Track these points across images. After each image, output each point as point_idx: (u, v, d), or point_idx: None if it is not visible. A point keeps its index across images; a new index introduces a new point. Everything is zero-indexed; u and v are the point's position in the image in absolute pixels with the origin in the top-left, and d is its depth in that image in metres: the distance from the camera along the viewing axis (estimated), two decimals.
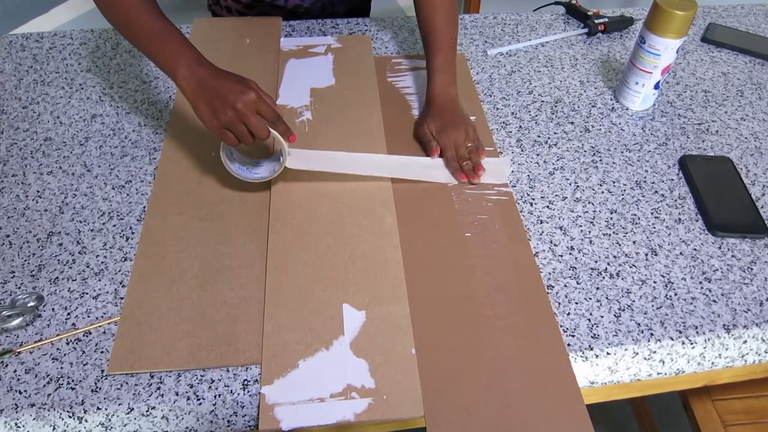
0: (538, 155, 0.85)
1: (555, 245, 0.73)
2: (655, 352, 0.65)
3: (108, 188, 0.78)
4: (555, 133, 0.88)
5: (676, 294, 0.69)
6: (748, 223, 0.76)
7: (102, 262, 0.70)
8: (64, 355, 0.62)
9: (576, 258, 0.72)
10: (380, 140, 0.85)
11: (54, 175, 0.80)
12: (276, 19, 1.06)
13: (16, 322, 0.63)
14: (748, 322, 0.66)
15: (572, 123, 0.90)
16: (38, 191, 0.78)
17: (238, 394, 0.59)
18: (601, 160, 0.84)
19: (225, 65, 0.96)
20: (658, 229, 0.75)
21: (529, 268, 0.70)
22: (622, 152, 0.86)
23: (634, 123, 0.91)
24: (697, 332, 0.65)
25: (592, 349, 0.64)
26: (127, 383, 0.60)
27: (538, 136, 0.88)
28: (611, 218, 0.76)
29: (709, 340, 0.65)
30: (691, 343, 0.65)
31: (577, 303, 0.68)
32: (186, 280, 0.68)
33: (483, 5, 2.21)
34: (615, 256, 0.72)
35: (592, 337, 0.65)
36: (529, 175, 0.82)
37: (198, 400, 0.59)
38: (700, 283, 0.70)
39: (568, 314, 0.67)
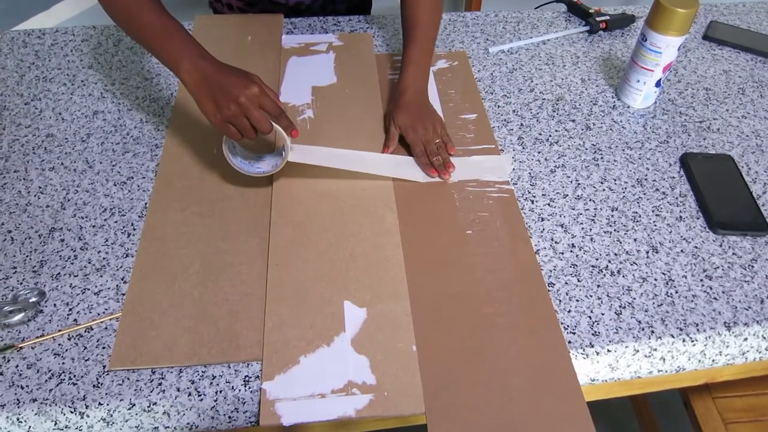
0: (539, 153, 0.85)
1: (556, 243, 0.73)
2: (655, 349, 0.65)
3: (110, 184, 0.79)
4: (556, 130, 0.88)
5: (677, 291, 0.69)
6: (749, 220, 0.76)
7: (104, 258, 0.70)
8: (66, 350, 0.62)
9: (577, 255, 0.72)
10: (381, 139, 0.85)
11: (56, 171, 0.80)
12: (278, 17, 1.06)
13: (18, 317, 0.63)
14: (748, 320, 0.66)
15: (573, 121, 0.90)
16: (40, 187, 0.78)
17: (240, 390, 0.60)
18: (602, 158, 0.84)
19: (226, 62, 0.97)
20: (659, 227, 0.75)
21: (530, 266, 0.70)
22: (624, 150, 0.86)
23: (635, 121, 0.91)
24: (698, 330, 0.66)
25: (592, 346, 0.64)
26: (128, 379, 0.60)
27: (540, 134, 0.88)
28: (612, 216, 0.76)
29: (709, 337, 0.66)
30: (692, 341, 0.65)
31: (578, 300, 0.68)
32: (187, 276, 0.68)
33: (484, 3, 2.21)
34: (616, 254, 0.72)
35: (592, 334, 0.65)
36: (530, 173, 0.82)
37: (199, 396, 0.59)
38: (701, 280, 0.70)
39: (569, 312, 0.67)
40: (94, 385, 0.59)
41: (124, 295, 0.67)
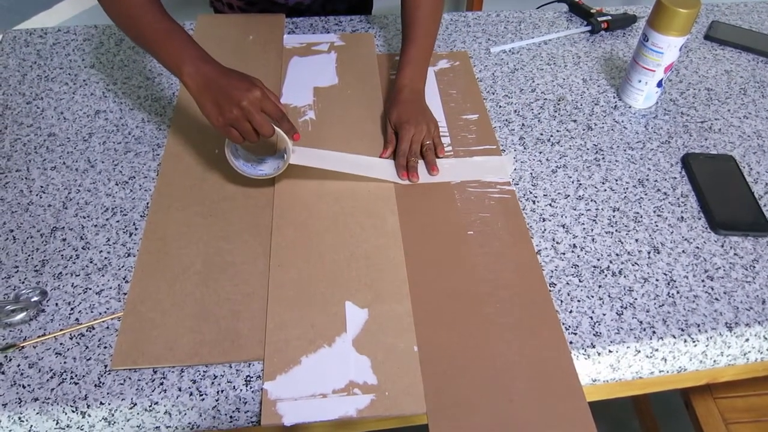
0: (540, 153, 0.85)
1: (557, 243, 0.73)
2: (657, 350, 0.65)
3: (111, 184, 0.79)
4: (558, 131, 0.88)
5: (678, 292, 0.69)
6: (751, 221, 0.76)
7: (105, 258, 0.70)
8: (68, 350, 0.62)
9: (578, 256, 0.72)
10: (383, 140, 0.85)
11: (58, 170, 0.80)
12: (279, 16, 1.06)
13: (19, 316, 0.63)
14: (750, 320, 0.66)
15: (575, 121, 0.90)
16: (42, 186, 0.78)
17: (241, 390, 0.60)
18: (603, 158, 0.84)
19: (228, 62, 0.97)
20: (661, 227, 0.75)
21: (531, 266, 0.70)
22: (625, 150, 0.86)
23: (636, 121, 0.91)
24: (700, 330, 0.65)
25: (594, 346, 0.64)
26: (130, 378, 0.60)
27: (541, 134, 0.88)
28: (614, 216, 0.76)
29: (711, 338, 0.65)
30: (693, 341, 0.65)
31: (579, 301, 0.68)
32: (189, 276, 0.68)
33: (486, 3, 2.20)
34: (617, 254, 0.72)
35: (594, 335, 0.65)
36: (531, 173, 0.82)
37: (201, 395, 0.59)
38: (703, 281, 0.70)
39: (571, 312, 0.67)
40: (95, 385, 0.60)
41: (125, 294, 0.67)
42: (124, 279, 0.68)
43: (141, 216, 0.75)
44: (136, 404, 0.59)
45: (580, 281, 0.69)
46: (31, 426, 0.58)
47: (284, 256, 0.70)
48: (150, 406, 0.59)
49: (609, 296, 0.68)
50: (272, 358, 0.61)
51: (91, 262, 0.70)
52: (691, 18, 0.82)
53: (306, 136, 0.85)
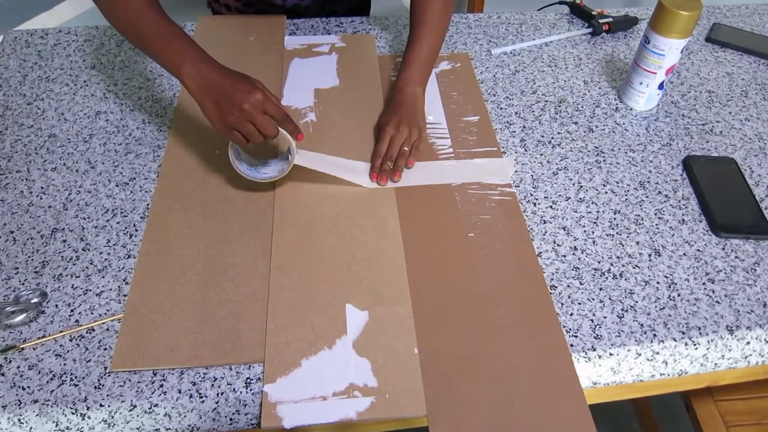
0: (541, 155, 0.85)
1: (558, 245, 0.73)
2: (657, 353, 0.65)
3: (112, 185, 0.79)
4: (558, 133, 0.88)
5: (679, 295, 0.69)
6: (752, 224, 0.75)
7: (105, 259, 0.70)
8: (68, 351, 0.62)
9: (579, 258, 0.72)
10: None
11: (58, 171, 0.80)
12: (280, 18, 1.06)
13: (19, 318, 0.63)
14: (751, 324, 0.66)
15: (576, 123, 0.90)
16: (42, 188, 0.78)
17: (241, 392, 0.60)
18: (604, 161, 0.84)
19: (229, 63, 0.96)
20: (662, 230, 0.75)
21: (532, 268, 0.70)
22: (626, 152, 0.86)
23: (638, 123, 0.90)
24: (700, 333, 0.65)
25: (594, 349, 0.64)
26: (130, 380, 0.60)
27: (542, 136, 0.87)
28: (615, 219, 0.76)
29: (712, 341, 0.65)
30: (694, 344, 0.65)
31: (580, 303, 0.68)
32: (189, 277, 0.68)
33: (487, 5, 2.21)
34: (618, 257, 0.72)
35: (594, 337, 0.65)
36: (532, 175, 0.82)
37: (201, 397, 0.59)
38: (704, 284, 0.70)
39: (571, 315, 0.67)
40: (95, 387, 0.59)
41: (125, 296, 0.67)
42: (124, 280, 0.68)
43: (141, 217, 0.75)
44: (135, 406, 0.59)
45: (580, 284, 0.69)
46: (31, 428, 0.58)
47: (285, 257, 0.70)
48: (150, 408, 0.59)
49: (610, 299, 0.68)
50: (272, 360, 0.61)
51: (91, 263, 0.70)
52: (693, 20, 0.82)
53: (307, 137, 0.85)
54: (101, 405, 0.58)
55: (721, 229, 0.74)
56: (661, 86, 0.89)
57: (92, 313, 0.65)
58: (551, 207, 0.78)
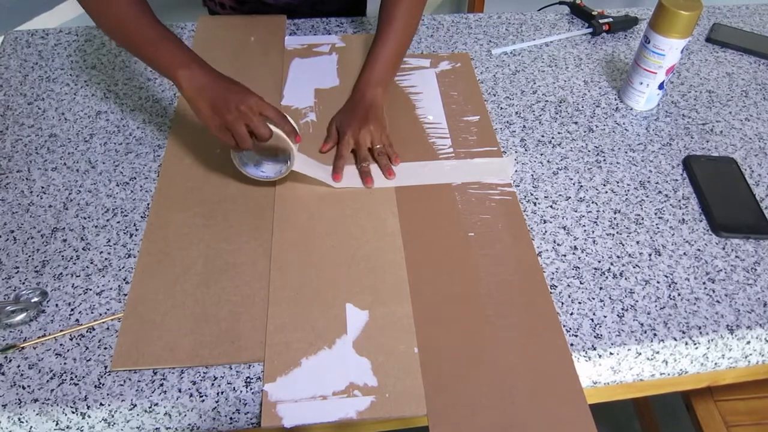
0: (541, 155, 0.85)
1: (558, 245, 0.73)
2: (658, 352, 0.65)
3: (112, 185, 0.79)
4: (559, 132, 0.88)
5: (679, 294, 0.69)
6: (752, 223, 0.75)
7: (106, 259, 0.70)
8: (68, 351, 0.62)
9: (579, 258, 0.72)
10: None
11: (58, 171, 0.80)
12: (280, 18, 1.06)
13: (20, 317, 0.63)
14: (751, 323, 0.66)
15: (576, 123, 0.90)
16: (43, 187, 0.78)
17: (241, 391, 0.60)
18: (605, 160, 0.84)
19: (229, 63, 0.97)
20: (662, 230, 0.75)
21: (532, 268, 0.70)
22: (626, 152, 0.86)
23: (638, 123, 0.90)
24: (701, 333, 0.65)
25: (595, 349, 0.64)
26: (130, 380, 0.60)
27: (542, 136, 0.87)
28: (615, 218, 0.76)
29: (712, 340, 0.65)
30: (695, 344, 0.65)
31: (580, 303, 0.68)
32: (189, 277, 0.68)
33: (487, 5, 2.20)
34: (618, 256, 0.72)
35: (595, 337, 0.65)
36: (532, 175, 0.82)
37: (201, 397, 0.59)
38: (704, 283, 0.70)
39: (572, 314, 0.67)
40: (95, 386, 0.59)
41: (126, 295, 0.67)
42: (124, 280, 0.68)
43: (142, 217, 0.75)
44: (135, 405, 0.59)
45: (581, 283, 0.69)
46: (31, 427, 0.58)
47: (285, 257, 0.70)
48: (150, 408, 0.59)
49: (610, 298, 0.68)
50: (272, 359, 0.61)
51: (91, 262, 0.70)
52: (693, 20, 0.82)
53: (307, 138, 0.85)
54: (101, 404, 0.58)
55: (721, 229, 0.74)
56: (661, 86, 0.89)
57: (92, 313, 0.65)
58: (551, 206, 0.78)
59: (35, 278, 0.68)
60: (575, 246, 0.73)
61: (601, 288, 0.69)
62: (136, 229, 0.73)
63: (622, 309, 0.67)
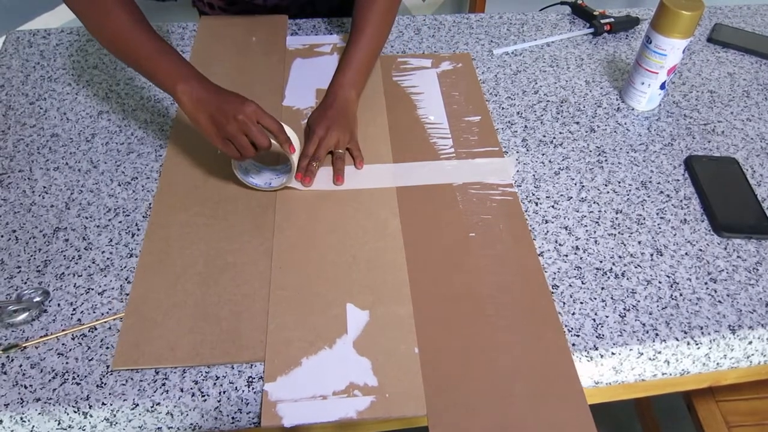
0: (543, 155, 0.85)
1: (560, 245, 0.73)
2: (660, 352, 0.65)
3: (114, 185, 0.79)
4: (560, 132, 0.88)
5: (681, 294, 0.69)
6: (754, 223, 0.75)
7: (108, 258, 0.70)
8: (70, 350, 0.62)
9: (581, 258, 0.72)
10: (385, 143, 0.85)
11: (60, 171, 0.80)
12: (282, 18, 1.06)
13: (21, 317, 0.63)
14: (753, 323, 0.66)
15: (578, 123, 0.90)
16: (45, 187, 0.78)
17: (243, 391, 0.60)
18: (606, 160, 0.84)
19: (231, 64, 0.97)
20: (664, 230, 0.75)
21: (533, 269, 0.70)
22: (628, 152, 0.85)
23: (639, 123, 0.90)
24: (703, 333, 0.65)
25: (596, 349, 0.64)
26: (132, 379, 0.60)
27: (544, 136, 0.87)
28: (616, 218, 0.76)
29: (714, 340, 0.65)
30: (696, 344, 0.65)
31: (582, 303, 0.68)
32: (190, 276, 0.68)
33: (488, 5, 2.20)
34: (620, 256, 0.72)
35: (596, 337, 0.65)
36: (534, 175, 0.82)
37: (203, 396, 0.59)
38: (706, 283, 0.70)
39: (573, 314, 0.67)
40: (97, 385, 0.60)
41: (128, 295, 0.67)
42: (126, 279, 0.68)
43: (143, 217, 0.75)
44: (138, 405, 0.59)
45: (582, 283, 0.69)
46: (33, 426, 0.58)
47: (286, 257, 0.70)
48: (152, 407, 0.59)
49: (612, 298, 0.68)
50: (273, 359, 0.61)
51: (93, 262, 0.70)
52: (694, 20, 0.82)
53: None
54: (103, 403, 0.58)
55: (723, 229, 0.74)
56: (662, 86, 0.89)
57: (94, 312, 0.65)
58: (553, 207, 0.78)
59: (37, 278, 0.68)
60: (577, 246, 0.73)
61: (602, 288, 0.69)
62: (138, 229, 0.73)
63: (624, 309, 0.67)
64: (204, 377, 0.60)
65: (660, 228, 0.75)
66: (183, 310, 0.65)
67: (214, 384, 0.60)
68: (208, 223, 0.74)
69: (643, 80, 0.89)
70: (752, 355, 0.68)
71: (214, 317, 0.64)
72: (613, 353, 0.64)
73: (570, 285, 0.69)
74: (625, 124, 0.90)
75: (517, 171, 0.82)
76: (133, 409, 0.59)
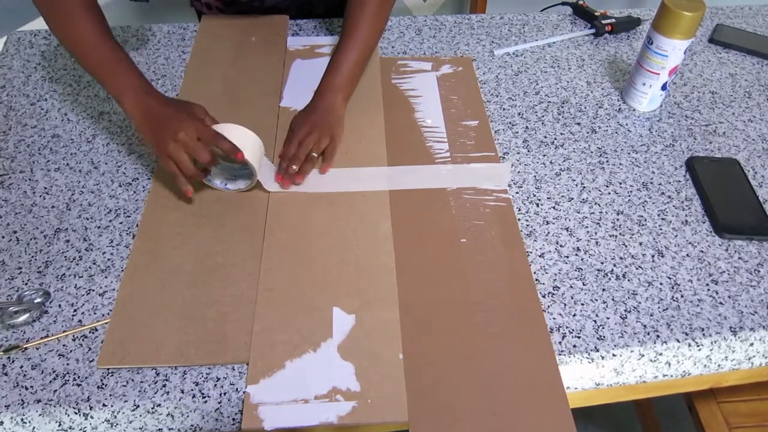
0: (544, 156, 0.85)
1: (561, 246, 0.73)
2: (661, 354, 0.65)
3: (115, 185, 0.79)
4: (561, 133, 0.88)
5: (682, 296, 0.68)
6: (755, 225, 0.75)
7: (108, 259, 0.70)
8: (71, 351, 0.62)
9: (582, 259, 0.72)
10: (380, 145, 0.84)
11: (61, 171, 0.80)
12: (283, 18, 1.06)
13: (22, 318, 0.63)
14: (754, 325, 0.66)
15: (579, 124, 0.90)
16: (45, 188, 0.78)
17: (243, 392, 0.59)
18: (607, 161, 0.84)
19: (230, 64, 0.97)
20: (665, 231, 0.75)
21: (524, 276, 0.69)
22: (629, 153, 0.85)
23: (641, 124, 0.90)
24: (704, 334, 0.65)
25: (597, 350, 0.64)
26: (132, 380, 0.60)
27: (545, 137, 0.87)
28: (618, 219, 0.76)
29: (715, 342, 0.65)
30: (698, 346, 0.65)
31: (583, 304, 0.67)
32: (179, 276, 0.68)
33: (490, 5, 2.20)
34: (621, 258, 0.72)
35: (598, 338, 0.65)
36: (535, 176, 0.82)
37: (203, 397, 0.59)
38: (707, 285, 0.70)
39: (574, 315, 0.66)
40: (98, 387, 0.60)
41: None
42: None
43: None
44: (138, 406, 0.59)
45: (583, 284, 0.69)
46: (34, 427, 0.58)
47: (275, 259, 0.70)
48: (152, 408, 0.59)
49: (613, 300, 0.68)
50: (257, 361, 0.61)
51: (94, 263, 0.70)
52: (696, 21, 0.81)
53: None
54: (104, 405, 0.58)
55: (724, 230, 0.74)
56: (664, 87, 0.89)
57: (95, 313, 0.65)
58: (554, 208, 0.77)
59: (38, 279, 0.68)
60: (578, 247, 0.73)
61: (604, 289, 0.69)
62: None
63: (625, 310, 0.67)
64: (205, 378, 0.60)
65: (661, 229, 0.75)
66: (170, 310, 0.65)
67: (215, 385, 0.60)
68: (200, 223, 0.74)
69: (644, 81, 0.89)
70: (753, 356, 0.67)
71: (201, 318, 0.64)
72: (614, 355, 0.64)
73: (571, 286, 0.69)
74: (627, 124, 0.90)
75: (518, 172, 0.82)
76: (133, 410, 0.59)
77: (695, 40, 1.08)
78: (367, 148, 0.84)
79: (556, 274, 0.70)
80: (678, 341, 0.65)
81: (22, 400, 0.58)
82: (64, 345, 0.63)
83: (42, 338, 0.63)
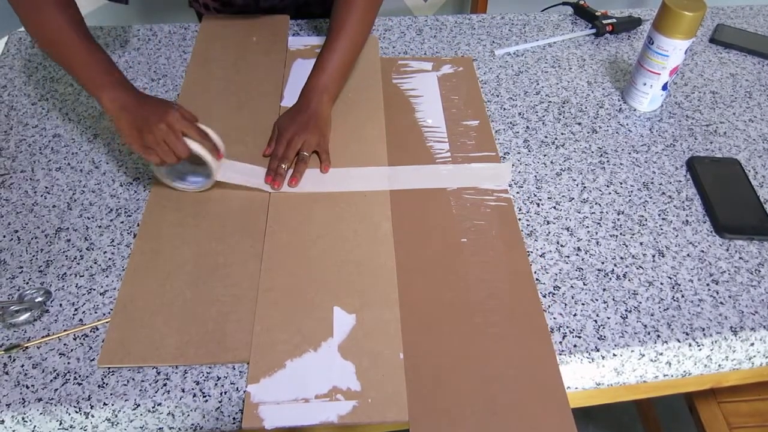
0: (545, 156, 0.85)
1: (562, 246, 0.73)
2: (661, 353, 0.65)
3: (116, 185, 0.79)
4: (562, 133, 0.88)
5: (683, 296, 0.68)
6: (756, 225, 0.75)
7: (109, 259, 0.70)
8: (71, 350, 0.62)
9: (583, 259, 0.72)
10: (381, 145, 0.84)
11: (62, 171, 0.80)
12: (284, 18, 1.06)
13: (23, 317, 0.63)
14: (755, 325, 0.66)
15: (579, 124, 0.90)
16: (47, 187, 0.78)
17: (244, 391, 0.60)
18: (608, 161, 0.84)
19: (231, 64, 0.97)
20: (666, 231, 0.75)
21: (524, 276, 0.69)
22: (630, 153, 0.85)
23: (641, 124, 0.90)
24: (704, 334, 0.65)
25: (598, 350, 0.64)
26: (133, 379, 0.60)
27: (546, 137, 0.87)
28: (618, 219, 0.76)
29: (716, 342, 0.65)
30: (698, 345, 0.65)
31: (583, 304, 0.67)
32: (179, 276, 0.68)
33: (490, 5, 2.20)
34: (622, 258, 0.72)
35: (598, 338, 0.65)
36: (536, 176, 0.82)
37: (204, 397, 0.59)
38: (708, 285, 0.70)
39: (575, 315, 0.66)
40: (99, 385, 0.60)
41: None
42: None
43: None
44: (139, 405, 0.59)
45: (584, 284, 0.69)
46: (35, 426, 0.58)
47: (276, 259, 0.70)
48: (153, 407, 0.59)
49: (613, 299, 0.68)
50: (257, 361, 0.61)
51: (95, 262, 0.70)
52: (697, 21, 0.81)
53: None
54: (105, 404, 0.58)
55: (725, 230, 0.74)
56: (664, 87, 0.89)
57: (96, 312, 0.65)
58: (555, 207, 0.77)
59: (39, 278, 0.68)
60: (578, 247, 0.73)
61: (604, 289, 0.69)
62: None
63: (626, 310, 0.67)
64: (205, 377, 0.60)
65: (662, 229, 0.75)
66: (171, 310, 0.65)
67: (216, 384, 0.60)
68: (200, 223, 0.74)
69: (645, 81, 0.89)
70: (754, 356, 0.67)
71: (202, 318, 0.64)
72: (614, 354, 0.64)
73: (572, 286, 0.69)
74: (627, 124, 0.90)
75: (519, 172, 0.82)
76: (134, 409, 0.59)
77: (696, 40, 1.08)
78: (367, 148, 0.84)
79: (556, 274, 0.70)
80: (678, 341, 0.65)
81: (23, 399, 0.59)
82: (65, 344, 0.63)
83: (43, 337, 0.63)
